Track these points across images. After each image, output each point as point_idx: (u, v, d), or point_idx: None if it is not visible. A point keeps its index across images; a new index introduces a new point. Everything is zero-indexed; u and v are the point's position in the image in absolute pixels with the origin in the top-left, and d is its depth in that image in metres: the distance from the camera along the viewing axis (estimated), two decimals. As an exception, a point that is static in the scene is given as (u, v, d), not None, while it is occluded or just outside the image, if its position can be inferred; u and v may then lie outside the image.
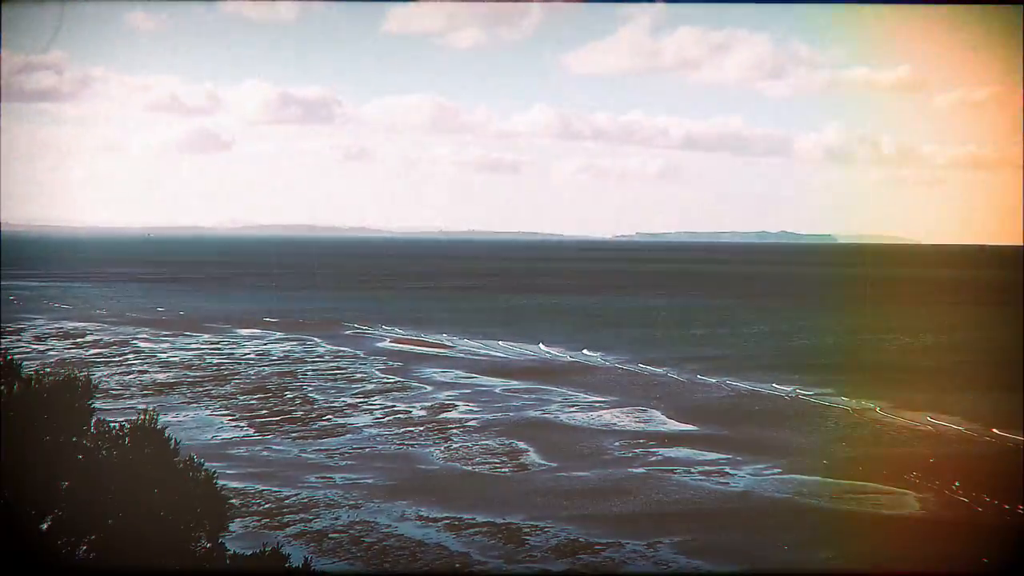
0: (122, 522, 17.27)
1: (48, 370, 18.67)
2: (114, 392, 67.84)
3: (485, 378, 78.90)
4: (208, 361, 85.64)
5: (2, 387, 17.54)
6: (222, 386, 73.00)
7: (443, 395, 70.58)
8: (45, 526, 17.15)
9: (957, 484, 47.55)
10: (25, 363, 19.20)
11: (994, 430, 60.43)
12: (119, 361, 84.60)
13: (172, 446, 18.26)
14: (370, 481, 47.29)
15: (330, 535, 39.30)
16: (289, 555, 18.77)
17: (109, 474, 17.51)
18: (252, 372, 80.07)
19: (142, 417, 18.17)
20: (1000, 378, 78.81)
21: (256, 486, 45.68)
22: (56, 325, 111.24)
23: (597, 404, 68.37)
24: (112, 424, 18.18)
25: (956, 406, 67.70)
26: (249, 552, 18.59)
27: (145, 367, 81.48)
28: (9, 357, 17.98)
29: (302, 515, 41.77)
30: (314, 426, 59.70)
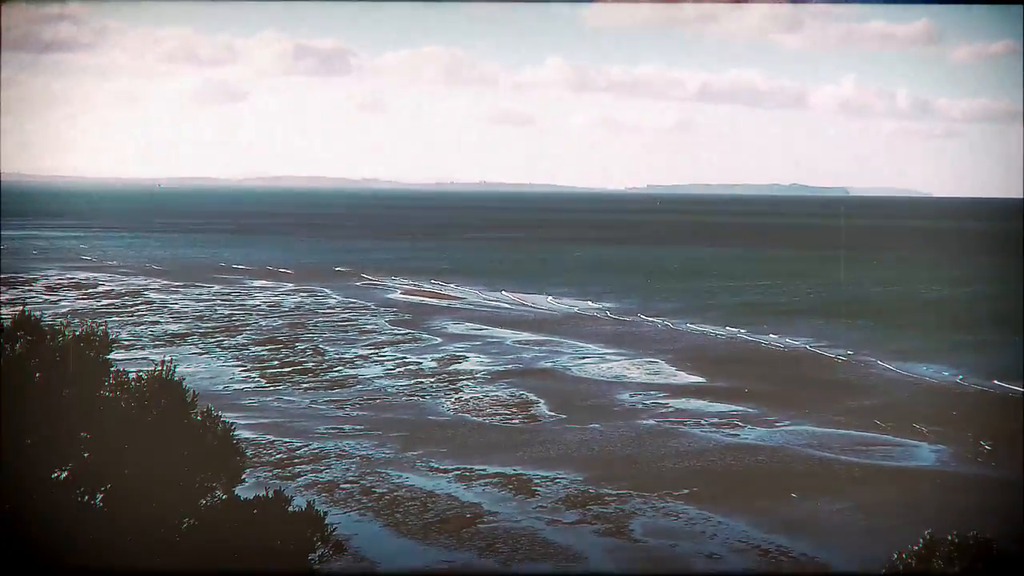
0: (139, 473, 17.25)
1: (64, 322, 18.59)
2: (126, 343, 67.93)
3: (496, 329, 78.85)
4: (219, 312, 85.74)
5: (21, 340, 17.46)
6: (233, 337, 73.09)
7: (453, 346, 70.54)
8: (62, 476, 17.15)
9: (972, 438, 47.42)
10: (37, 314, 19.10)
11: (1013, 383, 60.06)
12: (131, 311, 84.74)
13: (189, 399, 18.23)
14: (381, 432, 47.34)
15: (341, 486, 39.36)
16: (291, 497, 18.72)
17: (127, 426, 17.48)
18: (263, 323, 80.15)
19: (159, 369, 18.11)
20: (1019, 329, 78.24)
21: (267, 436, 45.76)
22: (68, 275, 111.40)
23: (608, 356, 68.28)
24: (130, 375, 18.13)
25: (974, 358, 67.40)
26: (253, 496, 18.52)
27: (157, 318, 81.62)
28: (27, 311, 17.89)
29: (313, 465, 41.84)
30: (325, 377, 59.75)
